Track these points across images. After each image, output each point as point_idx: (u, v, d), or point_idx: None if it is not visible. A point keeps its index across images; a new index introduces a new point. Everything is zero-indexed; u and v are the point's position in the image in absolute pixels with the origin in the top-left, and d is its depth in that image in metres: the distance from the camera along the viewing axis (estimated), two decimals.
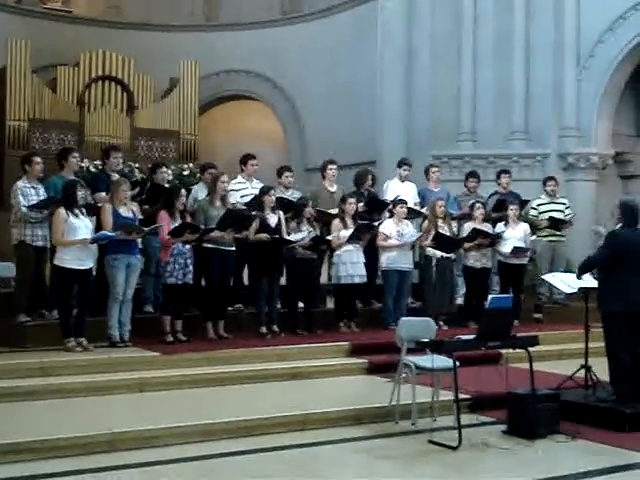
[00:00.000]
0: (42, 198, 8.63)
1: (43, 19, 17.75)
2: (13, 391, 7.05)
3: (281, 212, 9.59)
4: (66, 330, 8.20)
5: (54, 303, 8.79)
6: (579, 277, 7.64)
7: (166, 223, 8.64)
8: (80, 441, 5.91)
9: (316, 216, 10.00)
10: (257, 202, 9.53)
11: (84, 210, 8.35)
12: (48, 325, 8.58)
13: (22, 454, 5.70)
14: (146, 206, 9.34)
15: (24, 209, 8.52)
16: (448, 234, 10.36)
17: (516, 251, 10.61)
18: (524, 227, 10.95)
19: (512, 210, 10.84)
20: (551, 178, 11.88)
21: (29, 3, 17.94)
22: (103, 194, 8.94)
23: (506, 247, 10.69)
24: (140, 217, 8.85)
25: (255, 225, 9.26)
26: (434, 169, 11.47)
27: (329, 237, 9.82)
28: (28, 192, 8.63)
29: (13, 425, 6.22)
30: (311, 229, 9.70)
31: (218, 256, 8.98)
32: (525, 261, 11.00)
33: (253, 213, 9.38)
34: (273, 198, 9.52)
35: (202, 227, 8.83)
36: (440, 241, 10.18)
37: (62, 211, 8.16)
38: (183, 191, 9.03)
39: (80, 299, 8.24)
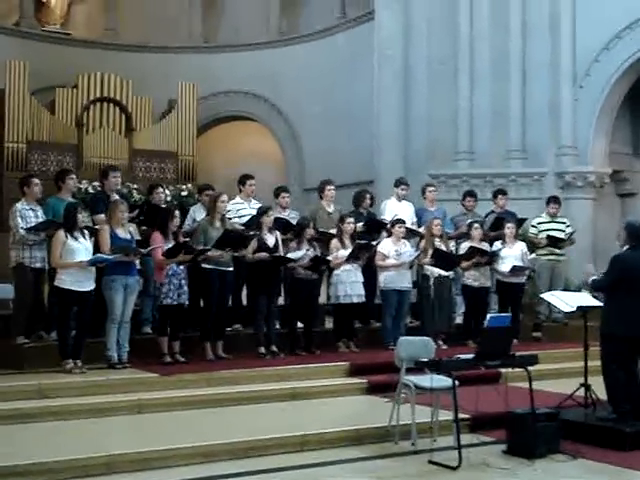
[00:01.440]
0: (41, 220, 8.63)
1: (41, 41, 17.83)
2: (10, 413, 7.02)
3: (278, 232, 9.59)
4: (64, 351, 8.18)
5: (53, 325, 8.78)
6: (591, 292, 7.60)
7: (160, 244, 8.64)
8: (78, 463, 5.88)
9: (317, 237, 10.01)
10: (255, 222, 9.54)
11: (85, 232, 8.34)
12: (46, 347, 8.55)
13: (19, 477, 5.67)
14: (144, 227, 9.35)
15: (22, 231, 8.51)
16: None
17: (515, 270, 10.61)
18: (521, 246, 10.95)
19: (509, 229, 10.84)
20: (555, 200, 11.73)
21: (27, 25, 18.03)
22: (102, 216, 8.92)
23: (504, 266, 10.69)
24: (138, 238, 8.85)
25: (253, 245, 9.27)
26: (430, 189, 11.49)
27: (329, 257, 9.81)
28: (27, 214, 8.63)
29: (10, 448, 6.18)
30: (310, 249, 9.70)
31: (217, 276, 8.98)
32: (523, 280, 10.99)
33: (251, 233, 9.39)
34: (271, 218, 9.54)
35: (199, 248, 8.82)
36: (439, 258, 10.18)
37: (61, 233, 8.16)
38: (177, 212, 9.04)
39: (78, 321, 8.22)
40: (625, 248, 7.35)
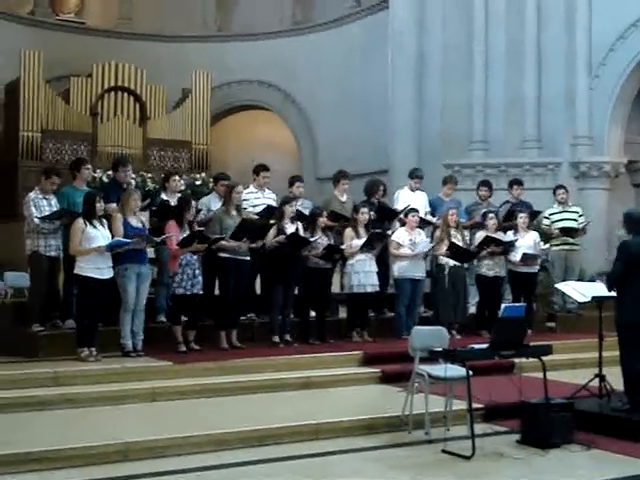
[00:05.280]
0: (54, 209, 8.67)
1: (56, 30, 17.92)
2: (26, 401, 7.06)
3: (300, 223, 9.56)
4: (81, 339, 8.22)
5: (68, 313, 8.82)
6: (610, 291, 7.54)
7: (174, 233, 8.66)
8: (92, 451, 5.91)
9: (331, 220, 9.98)
10: (278, 211, 9.52)
11: (104, 221, 8.36)
12: (61, 335, 8.60)
13: (34, 464, 5.70)
14: (155, 219, 9.35)
15: (37, 220, 8.55)
16: (461, 243, 10.33)
17: (525, 258, 10.56)
18: (534, 236, 10.89)
19: (521, 218, 10.80)
20: (561, 187, 11.79)
21: (42, 14, 18.10)
22: (114, 205, 8.91)
23: (515, 255, 10.64)
24: (148, 227, 8.86)
25: (273, 232, 9.27)
26: (450, 185, 11.33)
27: (342, 246, 9.81)
28: (40, 203, 8.66)
29: (26, 435, 6.22)
30: (325, 238, 9.70)
31: (234, 265, 8.99)
32: (536, 269, 10.93)
33: (271, 222, 9.39)
34: (293, 208, 9.50)
35: (214, 237, 8.83)
36: (455, 252, 10.14)
37: (80, 221, 8.19)
38: (193, 203, 9.04)
39: (94, 309, 8.24)
40: (630, 237, 7.36)
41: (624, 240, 7.39)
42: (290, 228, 9.41)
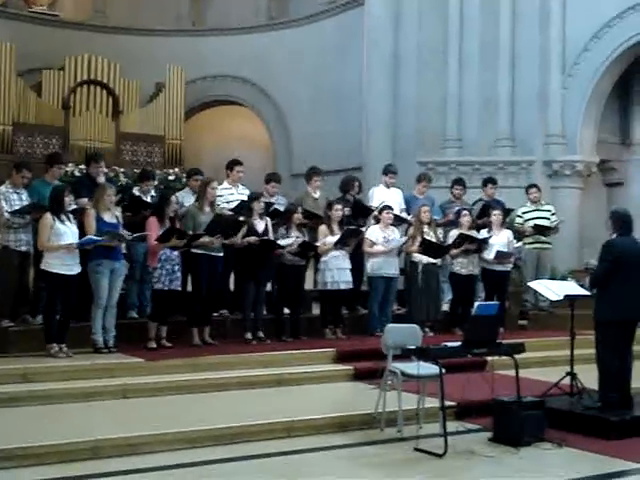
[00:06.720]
0: (25, 203, 8.57)
1: (28, 22, 17.69)
2: None
3: (268, 219, 9.55)
4: (49, 335, 8.13)
5: (38, 308, 8.73)
6: (591, 291, 7.64)
7: (155, 229, 8.59)
8: (63, 448, 5.85)
9: (304, 217, 9.96)
10: (246, 208, 9.49)
11: (71, 216, 8.28)
12: (31, 331, 8.50)
13: (3, 461, 5.64)
14: (128, 213, 9.27)
15: (7, 214, 8.45)
16: (434, 240, 10.35)
17: (499, 255, 10.59)
18: (507, 233, 10.94)
19: (495, 216, 10.83)
20: (533, 186, 11.85)
21: (14, 6, 17.87)
22: (85, 200, 8.82)
23: (489, 253, 10.67)
24: (122, 222, 8.79)
25: (243, 230, 9.23)
26: (424, 183, 11.39)
27: (317, 243, 9.79)
28: (11, 197, 8.57)
29: None
30: (300, 235, 9.67)
31: (207, 261, 8.94)
32: (509, 268, 10.98)
33: (241, 219, 9.35)
34: (262, 205, 9.48)
35: (190, 233, 8.77)
36: (426, 247, 10.17)
37: (48, 216, 8.08)
38: (174, 198, 8.98)
39: (64, 305, 8.17)
40: (614, 236, 7.40)
41: (609, 240, 7.40)
42: (259, 224, 9.38)
